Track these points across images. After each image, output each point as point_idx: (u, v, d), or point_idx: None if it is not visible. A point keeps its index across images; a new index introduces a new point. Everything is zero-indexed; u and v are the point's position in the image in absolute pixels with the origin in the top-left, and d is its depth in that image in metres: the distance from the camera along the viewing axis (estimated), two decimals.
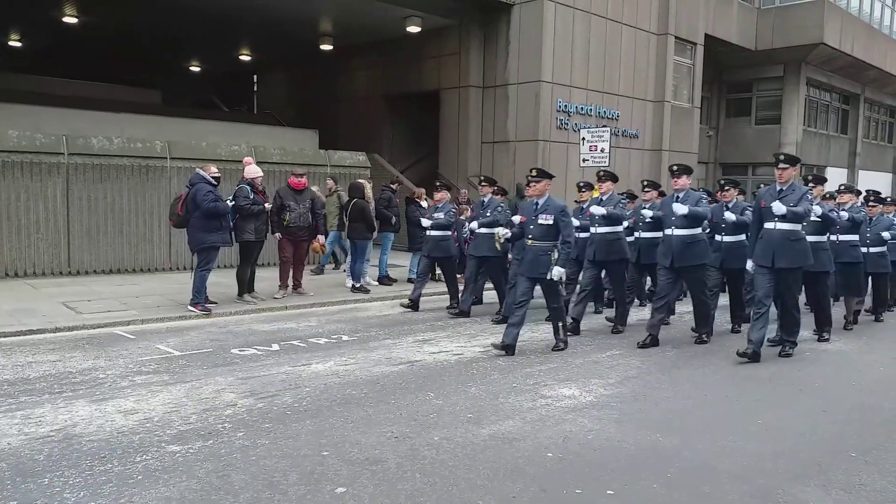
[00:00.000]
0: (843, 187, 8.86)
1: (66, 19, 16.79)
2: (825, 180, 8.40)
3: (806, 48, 22.67)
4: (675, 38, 18.65)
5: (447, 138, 17.58)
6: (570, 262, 7.14)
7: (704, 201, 7.13)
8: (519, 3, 16.05)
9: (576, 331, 7.53)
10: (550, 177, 6.75)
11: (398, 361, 6.21)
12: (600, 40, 17.00)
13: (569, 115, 16.57)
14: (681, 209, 6.85)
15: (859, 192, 9.45)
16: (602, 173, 8.16)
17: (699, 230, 7.13)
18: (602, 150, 13.65)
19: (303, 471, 3.70)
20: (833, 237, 7.90)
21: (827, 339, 7.53)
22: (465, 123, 17.11)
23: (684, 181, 7.13)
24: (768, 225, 6.54)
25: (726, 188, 8.05)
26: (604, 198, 8.04)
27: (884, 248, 8.71)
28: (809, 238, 6.91)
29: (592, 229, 7.95)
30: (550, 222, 6.54)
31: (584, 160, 13.97)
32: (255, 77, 25.29)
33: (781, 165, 6.58)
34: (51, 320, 7.38)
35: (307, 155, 13.35)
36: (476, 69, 16.97)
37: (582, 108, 16.81)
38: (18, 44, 20.18)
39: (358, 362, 6.11)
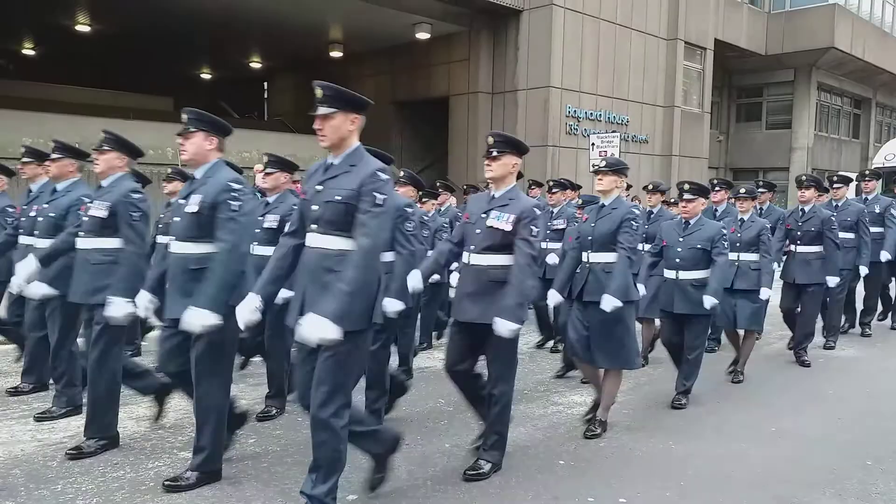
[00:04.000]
0: (651, 186, 7.15)
1: (79, 27, 16.96)
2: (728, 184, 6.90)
3: (817, 52, 22.58)
4: (685, 43, 18.62)
5: (456, 144, 17.61)
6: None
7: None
8: (528, 9, 16.07)
9: None
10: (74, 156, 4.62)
11: None
12: (610, 46, 16.98)
13: (578, 121, 16.55)
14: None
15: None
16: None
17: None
18: (612, 156, 13.63)
19: None
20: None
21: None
22: (475, 129, 17.13)
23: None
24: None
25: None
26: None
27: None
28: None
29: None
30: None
31: (593, 165, 13.93)
32: (265, 84, 25.44)
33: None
34: None
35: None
36: (485, 75, 16.99)
37: (591, 113, 16.79)
38: (32, 52, 20.40)
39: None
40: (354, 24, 17.03)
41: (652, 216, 6.71)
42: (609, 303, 4.22)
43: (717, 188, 6.74)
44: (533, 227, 3.61)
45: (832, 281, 6.56)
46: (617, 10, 17.04)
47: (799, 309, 6.68)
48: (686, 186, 5.22)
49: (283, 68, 22.45)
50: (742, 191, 6.07)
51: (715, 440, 4.45)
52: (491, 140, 3.75)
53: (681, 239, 5.17)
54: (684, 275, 5.11)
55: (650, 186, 7.12)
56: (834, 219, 6.62)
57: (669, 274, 5.20)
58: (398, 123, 19.58)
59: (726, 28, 20.96)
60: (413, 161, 19.32)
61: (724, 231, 5.16)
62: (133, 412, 4.75)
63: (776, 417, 4.96)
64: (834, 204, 7.50)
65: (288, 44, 18.81)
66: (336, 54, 19.33)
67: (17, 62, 21.52)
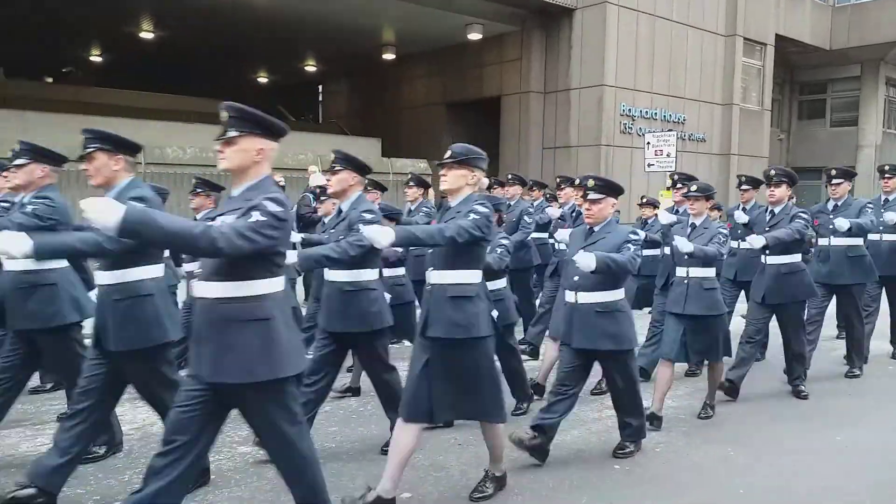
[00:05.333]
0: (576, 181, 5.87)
1: (143, 34, 17.57)
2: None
3: (885, 46, 21.63)
4: (744, 39, 18.11)
5: (508, 144, 17.56)
6: None
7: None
8: (581, 7, 15.90)
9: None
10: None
11: None
12: (665, 43, 16.66)
13: (633, 120, 16.30)
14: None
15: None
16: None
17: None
18: (668, 155, 13.36)
19: (369, 474, 3.74)
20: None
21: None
22: (526, 129, 17.06)
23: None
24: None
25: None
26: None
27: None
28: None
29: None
30: None
31: (649, 165, 13.71)
32: (319, 87, 25.87)
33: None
34: None
35: (370, 163, 13.57)
36: (537, 75, 16.89)
37: (647, 112, 16.51)
38: (99, 58, 21.23)
39: None
40: (406, 27, 17.16)
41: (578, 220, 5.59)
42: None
43: (678, 185, 6.02)
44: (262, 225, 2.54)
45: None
46: (673, 6, 16.70)
47: (781, 339, 5.45)
48: (591, 182, 3.92)
49: (337, 71, 22.79)
50: (693, 188, 4.81)
51: (777, 450, 4.32)
52: (224, 115, 2.65)
53: (582, 251, 3.84)
54: (585, 297, 3.88)
55: (576, 181, 5.88)
56: (805, 215, 5.27)
57: (569, 296, 3.97)
58: (449, 124, 19.62)
59: (788, 23, 20.29)
60: None
61: (635, 237, 3.92)
62: None
63: (839, 428, 4.77)
64: (833, 204, 6.09)
65: (341, 47, 19.08)
66: (388, 56, 19.51)
67: (84, 68, 22.47)
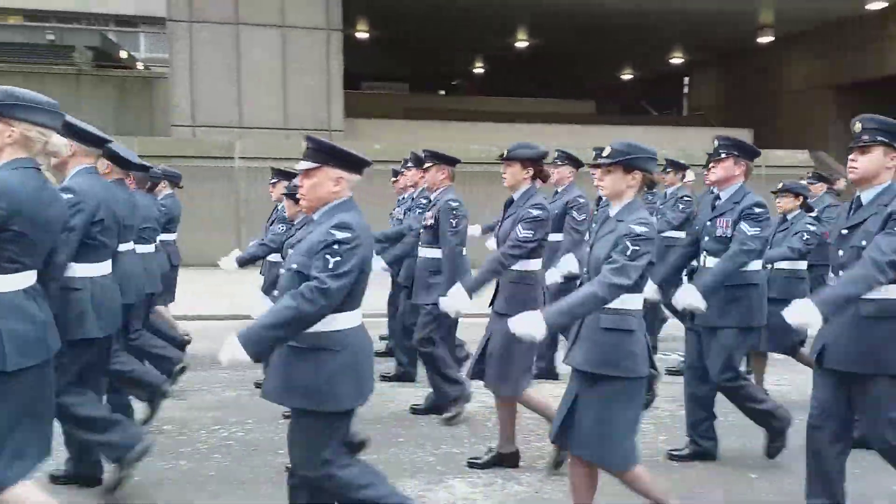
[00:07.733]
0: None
1: (518, 44, 19.12)
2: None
3: None
4: None
5: None
6: None
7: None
8: None
9: None
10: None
11: None
12: None
13: None
14: None
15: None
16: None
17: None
18: None
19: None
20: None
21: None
22: None
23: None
24: None
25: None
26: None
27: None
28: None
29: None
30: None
31: None
32: (685, 79, 24.99)
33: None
34: None
35: None
36: None
37: None
38: (481, 70, 23.76)
39: None
40: (789, 5, 15.52)
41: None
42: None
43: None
44: None
45: None
46: None
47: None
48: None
49: (705, 61, 21.74)
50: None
51: None
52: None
53: None
54: None
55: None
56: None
57: None
58: (838, 109, 17.18)
59: None
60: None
61: (338, 234, 2.36)
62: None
63: None
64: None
65: (711, 36, 18.15)
66: (764, 40, 17.91)
67: (469, 79, 25.40)
